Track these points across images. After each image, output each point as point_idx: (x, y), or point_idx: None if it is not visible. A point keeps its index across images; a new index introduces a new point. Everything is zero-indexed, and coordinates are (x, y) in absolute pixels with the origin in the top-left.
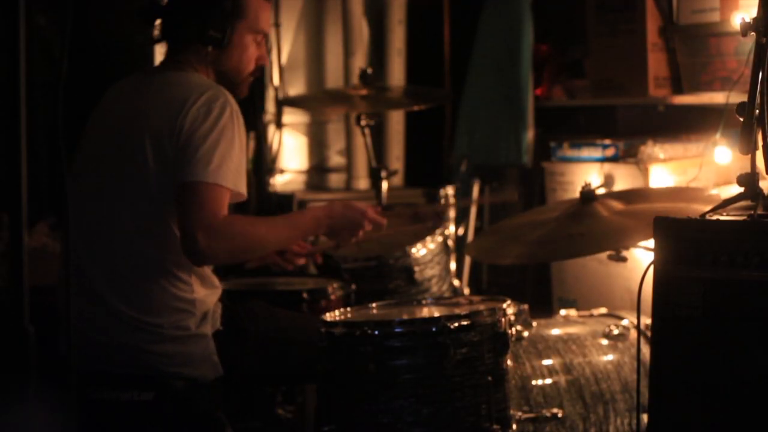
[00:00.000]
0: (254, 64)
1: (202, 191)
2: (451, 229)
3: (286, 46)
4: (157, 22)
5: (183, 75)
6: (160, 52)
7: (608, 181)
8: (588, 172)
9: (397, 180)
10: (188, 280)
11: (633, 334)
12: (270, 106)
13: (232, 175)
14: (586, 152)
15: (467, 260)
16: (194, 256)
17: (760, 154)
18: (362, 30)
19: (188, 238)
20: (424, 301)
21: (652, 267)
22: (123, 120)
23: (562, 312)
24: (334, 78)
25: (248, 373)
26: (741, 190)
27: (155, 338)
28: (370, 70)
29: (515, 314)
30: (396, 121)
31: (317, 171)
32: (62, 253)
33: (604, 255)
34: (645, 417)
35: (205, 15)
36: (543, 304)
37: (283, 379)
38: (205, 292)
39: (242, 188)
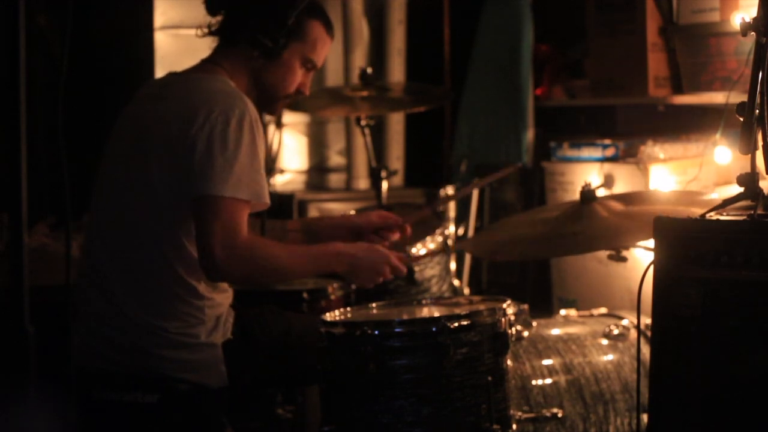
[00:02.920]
0: (293, 89)
1: (220, 205)
2: (451, 229)
3: None
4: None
5: (206, 78)
6: (160, 53)
7: (608, 181)
8: (588, 172)
9: (397, 180)
10: (198, 287)
11: (633, 334)
12: None
13: (251, 186)
14: (586, 152)
15: (467, 260)
16: (210, 271)
17: (760, 154)
18: (362, 30)
19: (206, 253)
20: (424, 301)
21: (652, 267)
22: (143, 124)
23: (562, 312)
24: (334, 78)
25: (256, 381)
26: (741, 190)
27: (162, 342)
28: (370, 70)
29: (515, 314)
30: (396, 121)
31: (317, 171)
32: (67, 253)
33: (604, 255)
34: (645, 417)
35: (264, 21)
36: (543, 304)
37: (287, 381)
38: (216, 299)
39: (264, 197)
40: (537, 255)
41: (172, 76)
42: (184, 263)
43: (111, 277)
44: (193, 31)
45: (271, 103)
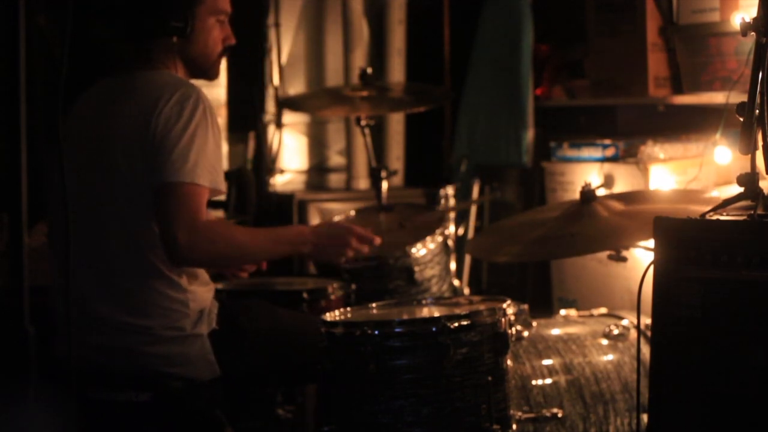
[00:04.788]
0: (221, 45)
1: (180, 191)
2: (451, 229)
3: (286, 46)
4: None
5: (152, 74)
6: None
7: (608, 181)
8: (588, 172)
9: (397, 180)
10: (180, 281)
11: (633, 334)
12: (270, 106)
13: (208, 172)
14: (586, 152)
15: (467, 260)
16: (174, 255)
17: (760, 154)
18: (362, 30)
19: (168, 238)
20: (424, 301)
21: (652, 267)
22: (96, 125)
23: (562, 312)
24: (334, 78)
25: (247, 373)
26: (741, 190)
27: (149, 339)
28: (370, 70)
29: (515, 314)
30: (396, 121)
31: (317, 171)
32: (51, 254)
33: (604, 255)
34: (645, 417)
35: (164, 6)
36: (543, 304)
37: (282, 379)
38: (198, 291)
39: (220, 185)
40: (536, 257)
41: (112, 77)
42: (165, 259)
43: (87, 286)
44: None
45: (208, 69)
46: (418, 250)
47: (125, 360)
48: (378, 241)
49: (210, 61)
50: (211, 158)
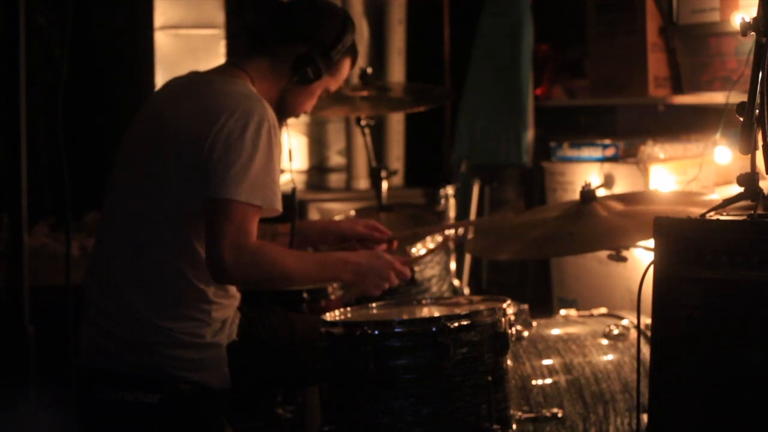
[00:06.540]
0: (303, 111)
1: (232, 209)
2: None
3: None
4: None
5: (229, 81)
6: (160, 53)
7: (608, 181)
8: (588, 172)
9: (397, 180)
10: (207, 293)
11: (633, 334)
12: None
13: (264, 192)
14: (586, 152)
15: (467, 260)
16: (218, 273)
17: (760, 154)
18: (362, 30)
19: (214, 256)
20: (424, 301)
21: (652, 267)
22: (160, 124)
23: (562, 312)
24: None
25: (258, 382)
26: (741, 190)
27: (167, 341)
28: (370, 70)
29: (515, 314)
30: (396, 121)
31: (317, 171)
32: (67, 253)
33: (604, 255)
34: (645, 417)
35: (314, 52)
36: (543, 304)
37: (289, 383)
38: (224, 303)
39: (277, 204)
40: (534, 255)
41: (193, 76)
42: (195, 268)
43: (119, 276)
44: (193, 31)
45: (281, 118)
46: (418, 251)
47: (142, 357)
48: (409, 275)
49: (290, 114)
50: (270, 178)
